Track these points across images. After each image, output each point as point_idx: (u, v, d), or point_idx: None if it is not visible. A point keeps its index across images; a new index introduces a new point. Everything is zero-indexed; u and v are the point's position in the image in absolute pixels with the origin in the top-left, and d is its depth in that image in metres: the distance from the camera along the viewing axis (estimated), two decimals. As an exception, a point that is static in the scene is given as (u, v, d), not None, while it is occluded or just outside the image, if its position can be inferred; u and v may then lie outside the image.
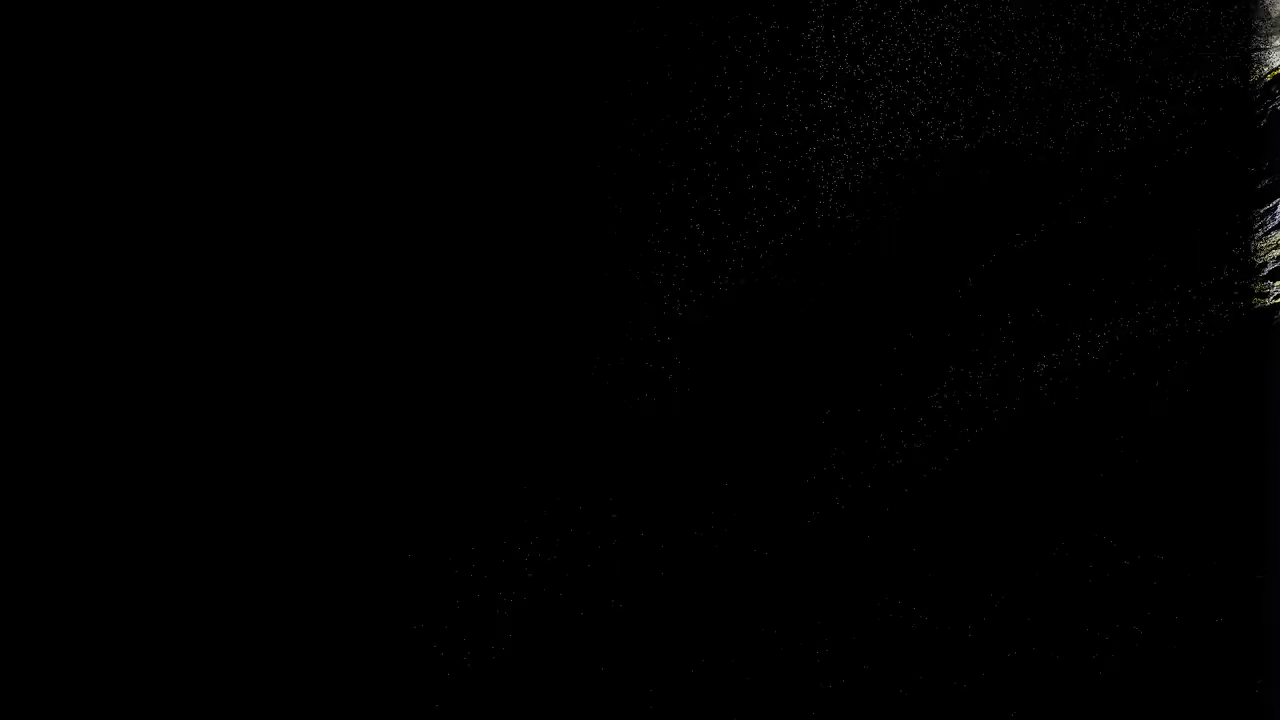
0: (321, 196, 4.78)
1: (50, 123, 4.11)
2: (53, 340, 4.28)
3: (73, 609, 3.74)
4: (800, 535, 2.69)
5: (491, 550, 3.59)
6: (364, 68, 4.65)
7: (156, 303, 4.41)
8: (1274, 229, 2.21)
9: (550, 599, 3.17)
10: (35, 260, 4.10)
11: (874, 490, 2.56)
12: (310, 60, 4.62)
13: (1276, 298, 1.80)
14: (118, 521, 4.15)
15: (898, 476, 2.52)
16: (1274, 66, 3.16)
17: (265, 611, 3.83)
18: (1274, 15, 3.90)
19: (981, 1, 3.40)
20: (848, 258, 3.41)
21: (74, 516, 4.04)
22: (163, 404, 4.46)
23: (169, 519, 4.45)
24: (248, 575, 4.12)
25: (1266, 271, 1.97)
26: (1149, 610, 1.49)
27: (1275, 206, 2.29)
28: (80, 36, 4.16)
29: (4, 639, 3.41)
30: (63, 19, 3.98)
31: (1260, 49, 3.82)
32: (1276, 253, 2.01)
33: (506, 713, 2.79)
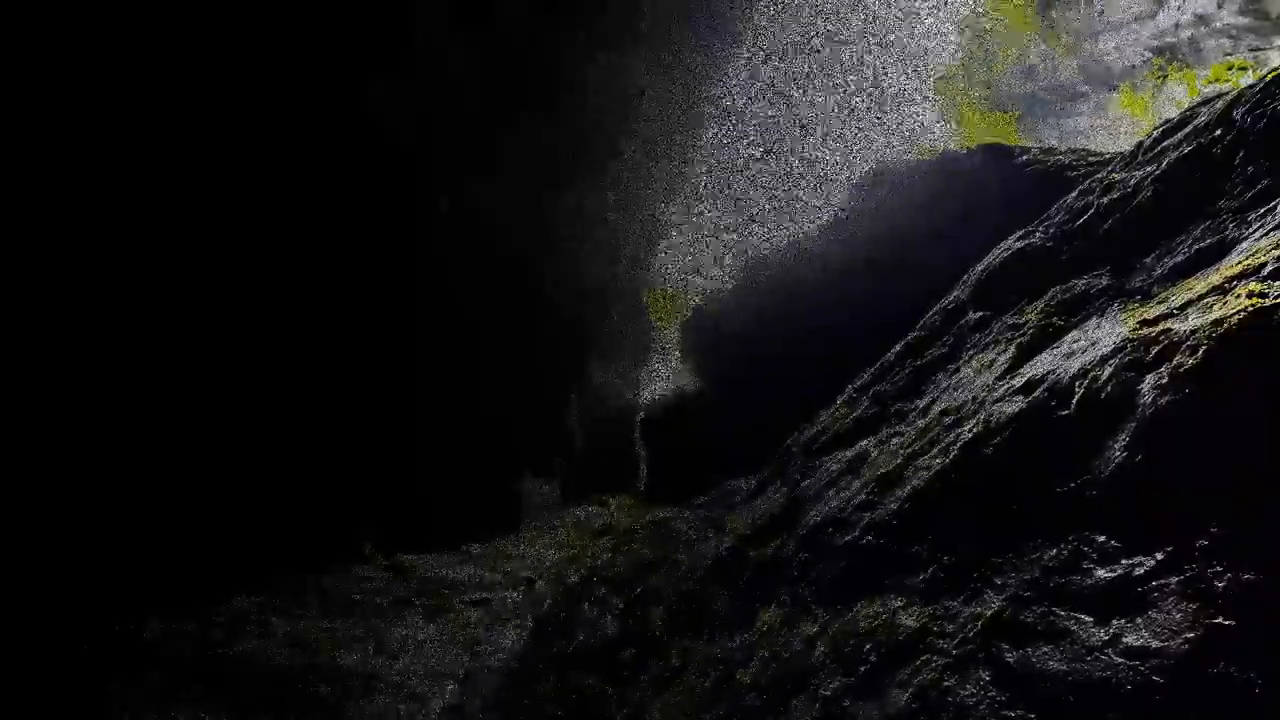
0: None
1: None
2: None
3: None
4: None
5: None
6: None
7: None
8: (1274, 229, 2.21)
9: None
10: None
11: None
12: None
13: (1276, 298, 1.79)
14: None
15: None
16: (1274, 66, 3.16)
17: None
18: (1274, 15, 3.89)
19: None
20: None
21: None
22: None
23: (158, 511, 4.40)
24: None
25: (1266, 271, 1.97)
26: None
27: (1275, 206, 2.29)
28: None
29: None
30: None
31: (1260, 49, 3.82)
32: (1276, 253, 2.00)
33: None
